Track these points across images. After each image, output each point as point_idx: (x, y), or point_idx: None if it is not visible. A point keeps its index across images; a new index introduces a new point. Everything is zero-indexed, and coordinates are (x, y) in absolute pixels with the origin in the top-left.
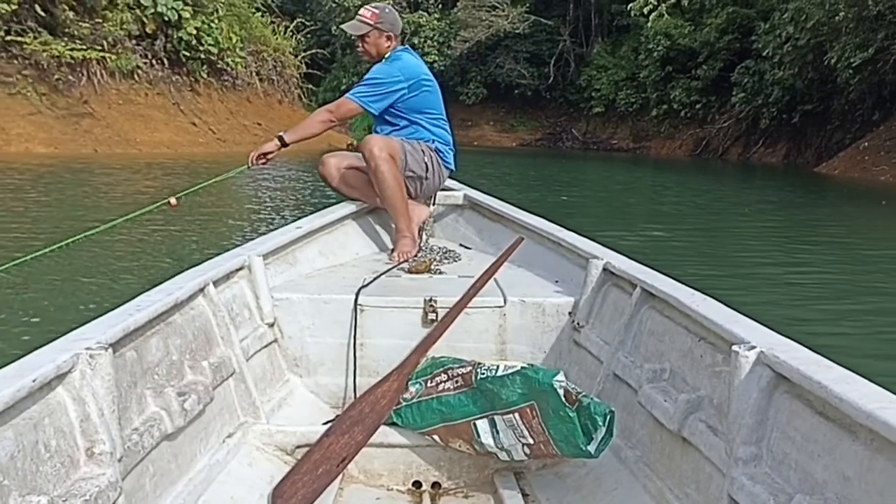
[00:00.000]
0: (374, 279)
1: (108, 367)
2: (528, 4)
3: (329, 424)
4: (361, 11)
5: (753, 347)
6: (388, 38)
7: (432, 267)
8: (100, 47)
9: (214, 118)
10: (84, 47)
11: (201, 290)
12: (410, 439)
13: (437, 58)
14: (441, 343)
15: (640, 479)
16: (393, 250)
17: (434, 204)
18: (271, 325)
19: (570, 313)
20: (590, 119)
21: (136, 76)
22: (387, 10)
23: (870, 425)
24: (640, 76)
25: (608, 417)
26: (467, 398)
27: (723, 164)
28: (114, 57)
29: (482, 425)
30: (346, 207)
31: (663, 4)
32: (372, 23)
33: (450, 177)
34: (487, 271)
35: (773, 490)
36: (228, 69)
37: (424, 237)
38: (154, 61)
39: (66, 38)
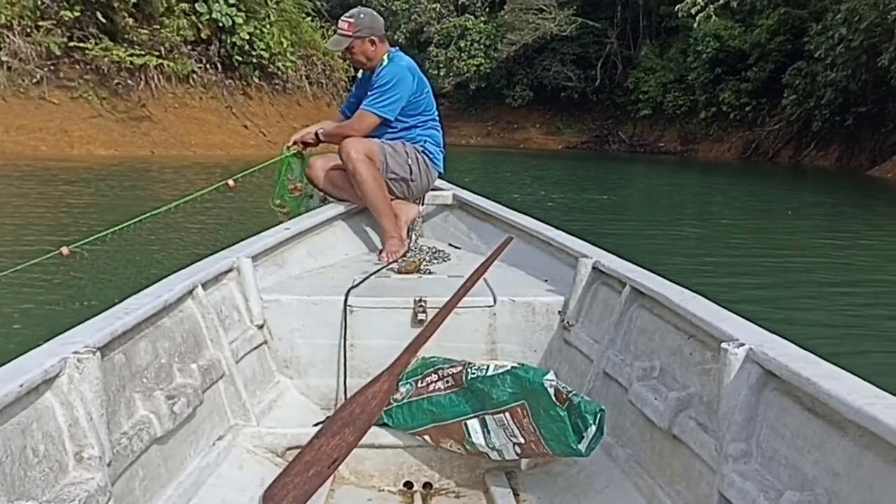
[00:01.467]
0: (364, 280)
1: (97, 370)
2: (575, 7)
3: (320, 426)
4: (339, 24)
5: (742, 345)
6: (373, 41)
7: (422, 267)
8: (157, 53)
9: (265, 121)
10: (143, 53)
11: (190, 292)
12: (401, 440)
13: (483, 60)
14: (431, 343)
15: (631, 477)
16: (382, 251)
17: (423, 204)
18: (261, 327)
19: (559, 312)
20: (637, 122)
21: (191, 80)
22: (361, 16)
23: (858, 421)
24: (689, 78)
25: (599, 416)
26: (458, 398)
27: (773, 167)
28: (170, 62)
29: (473, 425)
30: (335, 208)
31: (711, 6)
32: (350, 33)
33: (439, 177)
34: (477, 271)
35: (762, 486)
36: (279, 73)
37: (413, 237)
38: (208, 66)
39: (125, 44)
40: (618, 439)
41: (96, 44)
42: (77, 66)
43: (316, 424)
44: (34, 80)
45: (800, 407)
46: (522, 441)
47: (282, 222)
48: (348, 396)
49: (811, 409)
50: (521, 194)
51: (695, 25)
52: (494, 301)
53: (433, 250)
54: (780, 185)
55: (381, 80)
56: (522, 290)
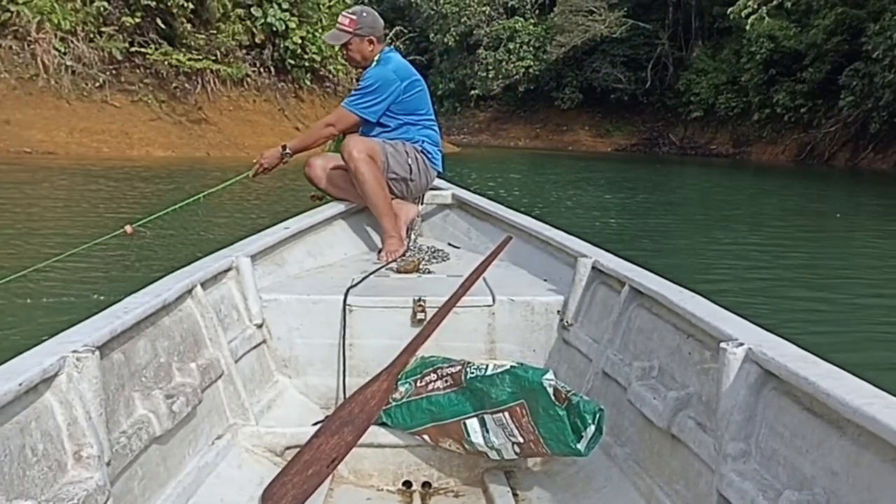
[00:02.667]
0: (363, 279)
1: (96, 369)
2: (625, 8)
3: (319, 425)
4: (339, 19)
5: (741, 344)
6: (371, 41)
7: (421, 266)
8: (214, 57)
9: (316, 123)
10: (200, 57)
11: (189, 291)
12: (400, 439)
13: (532, 63)
14: (430, 343)
15: (630, 476)
16: (381, 250)
17: (422, 203)
18: (260, 326)
19: (558, 312)
20: (688, 124)
21: (245, 84)
22: (364, 14)
23: (857, 421)
24: (742, 79)
25: (598, 415)
26: (457, 397)
27: (828, 170)
28: (226, 66)
29: (472, 424)
30: (334, 207)
31: (763, 7)
32: (351, 30)
33: (438, 177)
34: (476, 270)
35: (761, 486)
36: (330, 76)
37: (413, 237)
38: (262, 69)
39: (183, 49)
40: (617, 439)
41: (156, 49)
42: (137, 71)
43: (315, 424)
44: (97, 84)
45: (798, 406)
46: (521, 440)
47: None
48: (347, 396)
49: (810, 408)
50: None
51: (747, 27)
52: (493, 300)
53: (432, 250)
54: (836, 189)
55: (366, 82)
56: (521, 290)
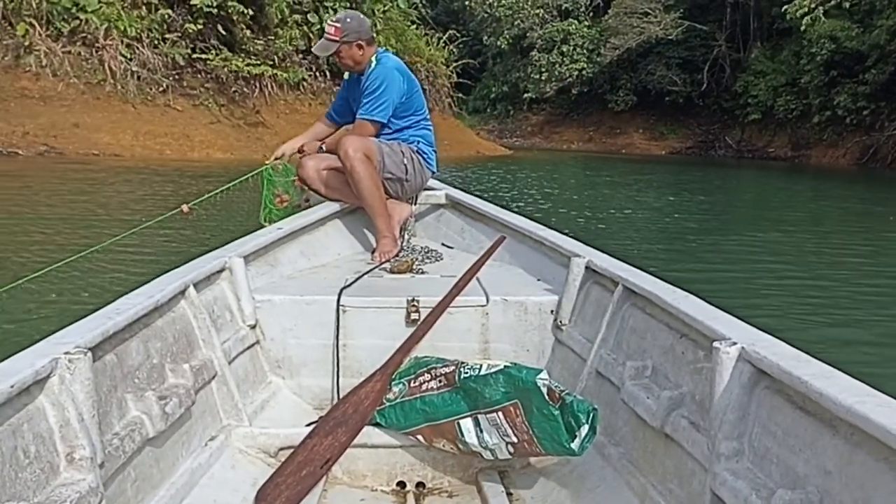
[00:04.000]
0: (357, 279)
1: (88, 371)
2: (682, 10)
3: (312, 426)
4: (326, 28)
5: (734, 344)
6: (360, 45)
7: (414, 267)
8: (271, 62)
9: None
10: (258, 62)
11: (182, 292)
12: (394, 439)
13: (585, 65)
14: (424, 343)
15: (624, 475)
16: (374, 250)
17: (416, 203)
18: (253, 327)
19: (552, 312)
20: (745, 126)
21: (301, 87)
22: (348, 20)
23: (849, 420)
24: (802, 81)
25: (591, 415)
26: (451, 398)
27: (892, 174)
28: (283, 71)
29: (466, 424)
30: (328, 208)
31: (820, 8)
32: (338, 38)
33: (432, 177)
34: (470, 271)
35: (754, 485)
36: None
37: (406, 237)
38: (317, 73)
39: (242, 55)
40: (610, 438)
41: (216, 54)
42: (199, 76)
43: (309, 424)
44: (160, 89)
45: (791, 405)
46: (515, 440)
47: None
48: (341, 396)
49: (803, 407)
50: (624, 197)
51: (801, 28)
52: (487, 300)
53: (426, 250)
54: None
55: (372, 86)
56: (515, 290)
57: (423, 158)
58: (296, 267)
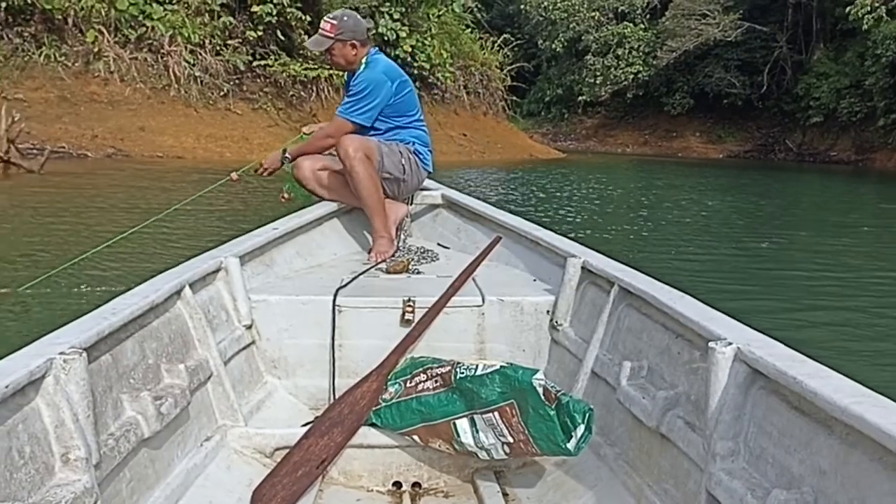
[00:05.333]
0: (353, 280)
1: (83, 371)
2: (741, 11)
3: (308, 426)
4: (321, 24)
5: (730, 344)
6: (354, 45)
7: (410, 267)
8: (328, 66)
9: None
10: (315, 67)
11: (177, 292)
12: (390, 440)
13: (641, 68)
14: (420, 343)
15: (620, 475)
16: (371, 250)
17: (412, 203)
18: (249, 327)
19: (548, 312)
20: (806, 129)
21: None
22: (345, 18)
23: (844, 420)
24: (866, 83)
25: (587, 415)
26: (447, 398)
27: None
28: (339, 74)
29: (462, 425)
30: (323, 208)
31: (883, 7)
32: (332, 35)
33: (428, 177)
34: (466, 271)
35: (750, 485)
36: (438, 83)
37: (402, 237)
38: None
39: (300, 59)
40: (606, 438)
41: (275, 60)
42: (258, 80)
43: (304, 425)
44: (222, 94)
45: (787, 405)
46: (511, 440)
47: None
48: (337, 396)
49: (798, 407)
50: (683, 200)
51: (864, 27)
52: (483, 301)
53: (422, 250)
54: None
55: (357, 87)
56: (511, 290)
57: (420, 159)
58: (292, 267)
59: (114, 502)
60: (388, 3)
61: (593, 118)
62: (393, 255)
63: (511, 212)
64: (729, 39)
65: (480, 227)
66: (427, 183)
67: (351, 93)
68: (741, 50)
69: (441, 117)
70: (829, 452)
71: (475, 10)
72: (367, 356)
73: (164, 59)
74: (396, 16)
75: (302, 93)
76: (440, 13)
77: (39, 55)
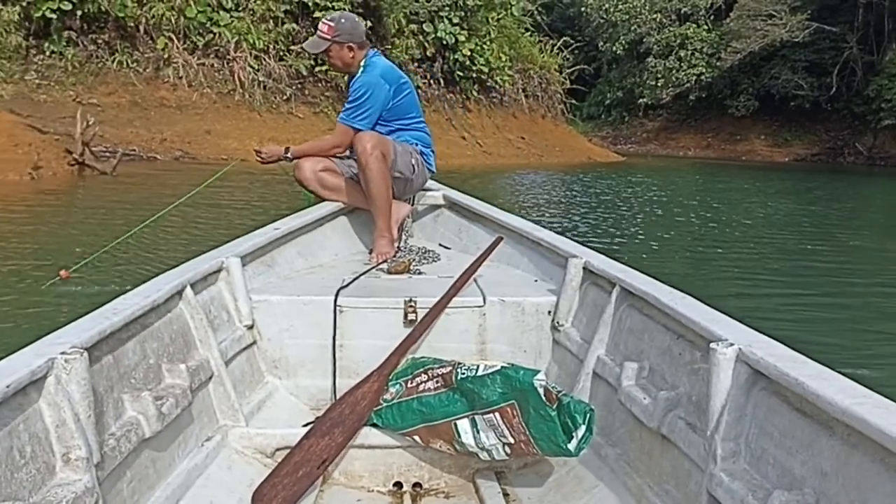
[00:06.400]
0: (354, 280)
1: (84, 371)
2: (809, 11)
3: (309, 426)
4: (319, 26)
5: (731, 345)
6: (351, 48)
7: (412, 267)
8: None
9: (482, 133)
10: None
11: (179, 292)
12: (391, 440)
13: (704, 70)
14: (421, 343)
15: (621, 476)
16: (372, 251)
17: (413, 204)
18: (250, 328)
19: (549, 312)
20: (878, 132)
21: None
22: (342, 21)
23: (846, 421)
24: None
25: (588, 416)
26: (448, 398)
27: None
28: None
29: (463, 425)
30: (325, 208)
31: None
32: (329, 37)
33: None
34: (467, 271)
35: (751, 486)
36: (497, 87)
37: (404, 237)
38: (432, 81)
39: None
40: (607, 439)
41: None
42: (319, 85)
43: (305, 425)
44: (284, 98)
45: (788, 407)
46: (512, 441)
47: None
48: (338, 397)
49: (799, 408)
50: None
51: None
52: (484, 301)
53: (423, 250)
54: None
55: (356, 92)
56: (512, 291)
57: (424, 159)
58: (293, 267)
59: (115, 502)
60: (447, 8)
61: (654, 121)
62: (394, 256)
63: (565, 215)
64: (796, 40)
65: (482, 227)
66: (429, 183)
67: (350, 98)
68: (809, 51)
69: (499, 120)
70: (831, 454)
71: (535, 13)
72: (369, 356)
73: (230, 64)
74: (455, 20)
75: None
76: (499, 17)
77: (113, 62)
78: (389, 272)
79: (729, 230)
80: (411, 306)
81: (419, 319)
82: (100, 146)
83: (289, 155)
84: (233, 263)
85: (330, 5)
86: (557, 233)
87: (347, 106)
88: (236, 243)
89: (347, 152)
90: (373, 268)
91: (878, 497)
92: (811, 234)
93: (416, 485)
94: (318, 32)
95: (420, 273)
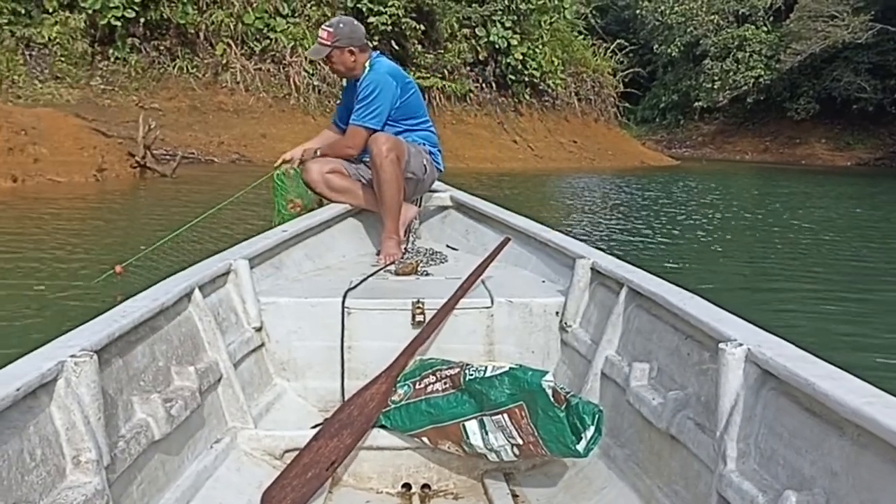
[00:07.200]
0: (361, 281)
1: (94, 374)
2: (873, 12)
3: (318, 428)
4: (319, 33)
5: (740, 345)
6: (352, 51)
7: (419, 269)
8: (440, 75)
9: (533, 136)
10: (428, 75)
11: (187, 295)
12: (399, 441)
13: (763, 72)
14: (429, 345)
15: (630, 477)
16: (379, 252)
17: (420, 205)
18: (258, 330)
19: (557, 313)
20: None
21: (468, 99)
22: (341, 26)
23: (856, 421)
24: None
25: (597, 417)
26: (456, 399)
27: None
28: (451, 83)
29: (471, 426)
30: (332, 210)
31: None
32: (329, 43)
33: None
34: (474, 272)
35: (761, 486)
36: (549, 90)
37: (411, 239)
38: (484, 85)
39: (413, 68)
40: (616, 440)
41: None
42: None
43: (314, 427)
44: (338, 102)
45: (798, 407)
46: (521, 442)
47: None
48: (346, 399)
49: (809, 408)
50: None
51: None
52: (492, 302)
53: (431, 252)
54: None
55: (365, 92)
56: (520, 292)
57: (433, 159)
58: (301, 269)
59: None
60: (499, 12)
61: (710, 124)
62: (402, 257)
63: (626, 218)
64: (859, 42)
65: (489, 228)
66: (436, 185)
67: (359, 99)
68: (872, 52)
69: (551, 124)
70: (841, 454)
71: (589, 16)
72: (377, 358)
73: (286, 69)
74: (508, 24)
75: None
76: (552, 20)
77: (173, 67)
78: (397, 273)
79: (794, 235)
80: (419, 308)
81: (427, 321)
82: (160, 149)
83: (317, 154)
84: (241, 266)
85: (383, 10)
86: (616, 237)
87: (357, 107)
88: (244, 245)
89: (357, 155)
90: (380, 269)
91: (889, 497)
92: (878, 240)
93: (425, 486)
94: (319, 39)
95: (428, 274)
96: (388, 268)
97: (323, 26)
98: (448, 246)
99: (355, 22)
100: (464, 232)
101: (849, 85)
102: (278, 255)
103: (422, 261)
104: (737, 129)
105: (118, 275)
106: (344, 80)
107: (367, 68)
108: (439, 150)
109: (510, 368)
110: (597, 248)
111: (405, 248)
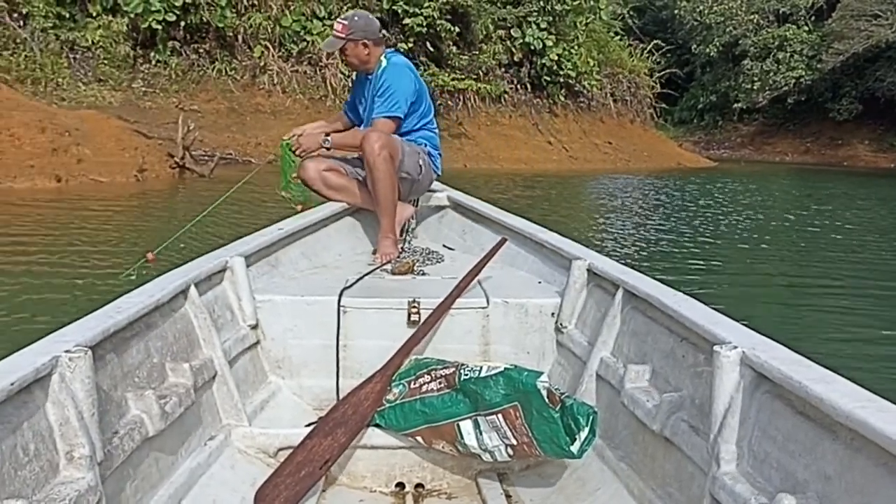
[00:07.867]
0: (358, 280)
1: (88, 369)
2: None
3: (312, 426)
4: (334, 26)
5: (735, 347)
6: (366, 45)
7: (416, 268)
8: (475, 76)
9: (568, 137)
10: (463, 77)
11: (183, 291)
12: (394, 441)
13: (804, 72)
14: (424, 344)
15: (623, 479)
16: (376, 251)
17: (417, 205)
18: (254, 327)
19: (553, 314)
20: None
21: (502, 100)
22: (356, 19)
23: (849, 425)
24: None
25: (591, 418)
26: (451, 399)
27: None
28: (485, 84)
29: (466, 426)
30: (329, 208)
31: None
32: (344, 35)
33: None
34: (471, 272)
35: (754, 489)
36: (584, 91)
37: (408, 238)
38: (518, 86)
39: (448, 70)
40: (610, 441)
41: (425, 70)
42: None
43: (308, 425)
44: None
45: (791, 410)
46: (515, 442)
47: (294, 213)
48: (341, 397)
49: (803, 412)
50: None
51: None
52: (488, 302)
53: (427, 251)
54: None
55: (385, 83)
56: (516, 292)
57: (431, 161)
58: (297, 267)
59: (117, 500)
60: (535, 13)
61: (749, 125)
62: (398, 257)
63: (666, 219)
64: None
65: (486, 228)
66: (433, 184)
67: (381, 90)
68: None
69: (586, 125)
70: (834, 457)
71: (627, 16)
72: (372, 357)
73: (322, 71)
74: (543, 25)
75: (449, 102)
76: (587, 21)
77: (212, 70)
78: (393, 273)
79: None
80: (415, 307)
81: (423, 320)
82: (199, 150)
83: (328, 145)
84: (237, 263)
85: (419, 12)
86: (652, 237)
87: (380, 99)
88: (240, 243)
89: (355, 154)
90: (377, 268)
91: (882, 501)
92: None
93: (419, 486)
94: (333, 32)
95: (424, 274)
96: (385, 267)
97: (338, 19)
98: (445, 246)
99: (370, 15)
100: (461, 232)
101: (892, 85)
102: (274, 253)
103: (418, 260)
104: (776, 131)
105: (150, 262)
106: (354, 74)
107: (385, 62)
108: (439, 154)
109: (505, 369)
110: (633, 249)
111: (402, 248)
